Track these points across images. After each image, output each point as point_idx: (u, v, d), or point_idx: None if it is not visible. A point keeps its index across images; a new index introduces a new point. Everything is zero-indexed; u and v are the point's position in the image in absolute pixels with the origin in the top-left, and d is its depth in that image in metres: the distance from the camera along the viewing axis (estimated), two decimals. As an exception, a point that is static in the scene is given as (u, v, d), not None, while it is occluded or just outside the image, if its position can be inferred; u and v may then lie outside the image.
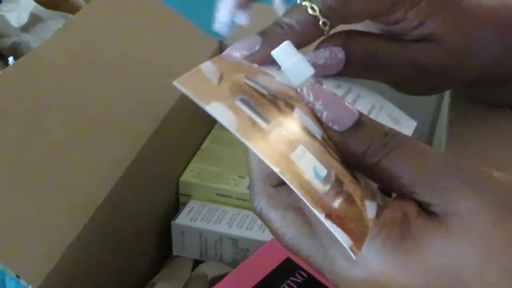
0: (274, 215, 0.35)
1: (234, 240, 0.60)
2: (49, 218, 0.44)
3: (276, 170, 0.29)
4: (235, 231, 0.60)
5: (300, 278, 0.53)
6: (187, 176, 0.66)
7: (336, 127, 0.32)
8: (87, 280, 0.48)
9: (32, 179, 0.45)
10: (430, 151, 0.32)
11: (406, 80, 0.46)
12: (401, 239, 0.30)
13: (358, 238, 0.29)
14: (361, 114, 0.32)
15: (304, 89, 0.32)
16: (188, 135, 0.68)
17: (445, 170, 0.31)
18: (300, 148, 0.30)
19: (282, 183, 0.35)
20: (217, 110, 0.30)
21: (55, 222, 0.44)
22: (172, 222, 0.61)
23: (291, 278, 0.53)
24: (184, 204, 0.65)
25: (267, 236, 0.58)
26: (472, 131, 0.58)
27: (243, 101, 0.31)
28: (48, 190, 0.46)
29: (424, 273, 0.30)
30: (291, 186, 0.29)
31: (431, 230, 0.30)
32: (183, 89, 0.30)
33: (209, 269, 0.60)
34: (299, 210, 0.34)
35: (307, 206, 0.29)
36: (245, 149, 0.33)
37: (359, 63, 0.42)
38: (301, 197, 0.29)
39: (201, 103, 0.29)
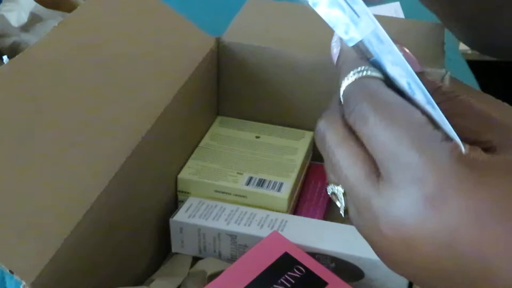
0: (342, 130, 0.35)
1: (233, 236, 0.60)
2: (43, 213, 0.44)
3: None
4: (233, 227, 0.60)
5: (298, 272, 0.53)
6: (185, 174, 0.66)
7: None
8: (83, 277, 0.48)
9: (26, 176, 0.45)
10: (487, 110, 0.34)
11: None
12: (475, 162, 0.31)
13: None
14: None
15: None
16: (186, 133, 0.68)
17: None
18: None
19: None
20: None
21: (49, 217, 0.44)
22: (170, 219, 0.61)
23: (289, 273, 0.53)
24: (183, 202, 0.65)
25: (265, 232, 0.58)
26: None
27: None
28: (42, 186, 0.46)
29: (483, 200, 0.30)
30: None
31: (502, 163, 0.31)
32: None
33: (208, 266, 0.60)
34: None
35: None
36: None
37: None
38: None
39: None
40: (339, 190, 0.37)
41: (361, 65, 0.35)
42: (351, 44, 0.36)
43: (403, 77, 0.34)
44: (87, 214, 0.47)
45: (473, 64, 1.01)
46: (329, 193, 0.37)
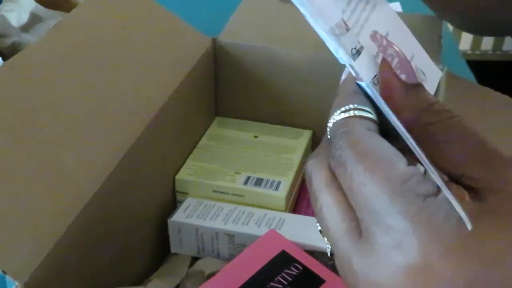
0: (326, 173, 0.32)
1: (231, 236, 0.60)
2: (37, 213, 0.44)
3: None
4: (231, 227, 0.60)
5: (295, 270, 0.53)
6: (183, 174, 0.66)
7: (403, 77, 0.32)
8: (77, 277, 0.48)
9: (20, 175, 0.45)
10: (483, 136, 0.31)
11: None
12: (461, 220, 0.28)
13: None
14: None
15: (378, 35, 0.33)
16: (184, 133, 0.68)
17: (498, 152, 0.31)
18: None
19: None
20: None
21: (43, 218, 0.44)
22: (169, 220, 0.61)
23: (286, 271, 0.53)
24: (181, 202, 0.65)
25: (263, 231, 0.58)
26: (466, 116, 0.58)
27: None
28: (36, 186, 0.46)
29: (473, 271, 0.28)
30: None
31: (489, 213, 0.29)
32: None
33: (206, 265, 0.60)
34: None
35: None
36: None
37: None
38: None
39: None
40: None
41: (352, 103, 0.32)
42: (341, 62, 0.34)
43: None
44: (81, 215, 0.47)
45: (473, 64, 1.01)
46: (318, 229, 0.35)
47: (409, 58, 0.35)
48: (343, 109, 0.32)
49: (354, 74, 0.34)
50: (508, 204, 0.29)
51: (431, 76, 0.36)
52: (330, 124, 0.33)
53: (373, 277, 0.29)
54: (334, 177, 0.32)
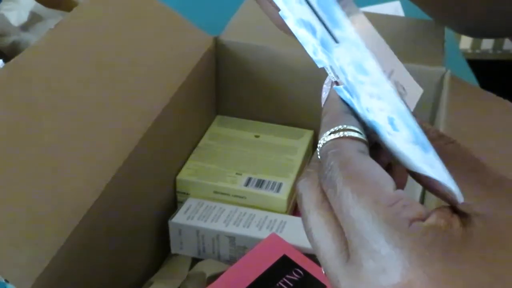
0: (317, 195, 0.32)
1: (231, 238, 0.60)
2: (39, 221, 0.44)
3: None
4: (232, 229, 0.60)
5: (296, 275, 0.53)
6: (184, 174, 0.66)
7: None
8: (80, 283, 0.48)
9: (22, 181, 0.45)
10: (482, 162, 0.31)
11: None
12: (446, 247, 0.28)
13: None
14: None
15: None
16: (185, 133, 0.68)
17: (496, 176, 0.30)
18: None
19: None
20: None
21: (45, 225, 0.44)
22: (169, 221, 0.61)
23: (287, 276, 0.53)
24: (182, 202, 0.65)
25: (264, 233, 0.58)
26: (469, 122, 0.58)
27: None
28: (38, 192, 0.45)
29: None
30: None
31: (476, 241, 0.28)
32: None
33: (207, 267, 0.60)
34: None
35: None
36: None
37: None
38: None
39: None
40: None
41: (341, 123, 0.33)
42: (319, 65, 0.34)
43: (384, 111, 0.31)
44: (83, 221, 0.46)
45: (473, 64, 1.01)
46: None
47: (388, 73, 0.35)
48: (332, 130, 0.32)
49: (331, 77, 0.34)
50: (496, 232, 0.29)
51: (411, 91, 0.36)
52: (320, 145, 0.33)
53: None
54: (325, 197, 0.32)
